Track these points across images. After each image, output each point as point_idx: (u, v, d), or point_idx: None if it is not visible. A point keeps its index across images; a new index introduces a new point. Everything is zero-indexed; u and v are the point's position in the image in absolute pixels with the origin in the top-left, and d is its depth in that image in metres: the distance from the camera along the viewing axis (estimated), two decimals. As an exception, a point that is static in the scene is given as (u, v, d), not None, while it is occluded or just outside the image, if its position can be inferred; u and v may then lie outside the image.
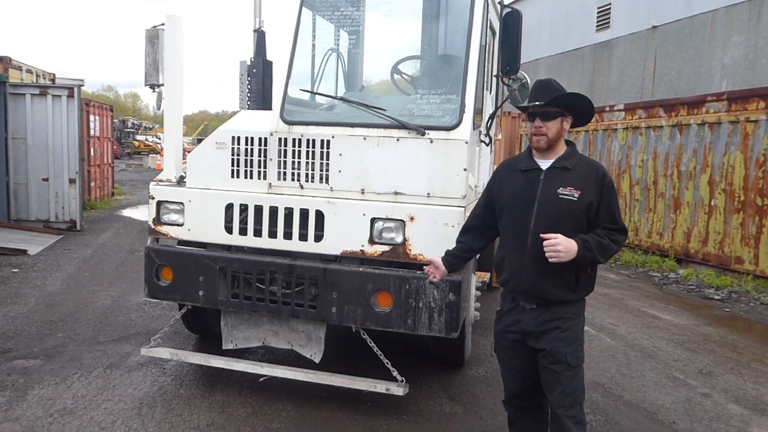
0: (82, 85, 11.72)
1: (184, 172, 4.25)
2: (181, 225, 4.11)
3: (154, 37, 4.59)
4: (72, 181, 10.80)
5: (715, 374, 5.08)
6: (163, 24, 4.36)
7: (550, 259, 2.66)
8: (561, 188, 2.76)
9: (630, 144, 10.53)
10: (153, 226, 4.19)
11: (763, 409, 4.41)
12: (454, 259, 3.21)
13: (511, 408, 3.15)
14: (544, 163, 2.84)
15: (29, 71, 16.15)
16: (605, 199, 2.77)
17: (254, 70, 5.65)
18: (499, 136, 6.73)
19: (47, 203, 10.76)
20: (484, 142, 4.42)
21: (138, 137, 49.87)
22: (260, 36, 5.63)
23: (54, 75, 18.02)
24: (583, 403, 2.86)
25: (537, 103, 2.79)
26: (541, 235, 2.70)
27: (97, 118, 14.36)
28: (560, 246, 2.63)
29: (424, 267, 3.26)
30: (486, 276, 6.04)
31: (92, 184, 14.24)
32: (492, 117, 4.47)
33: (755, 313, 7.15)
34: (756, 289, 7.95)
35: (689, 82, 14.42)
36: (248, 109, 5.37)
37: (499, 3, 4.23)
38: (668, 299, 7.80)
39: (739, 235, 8.36)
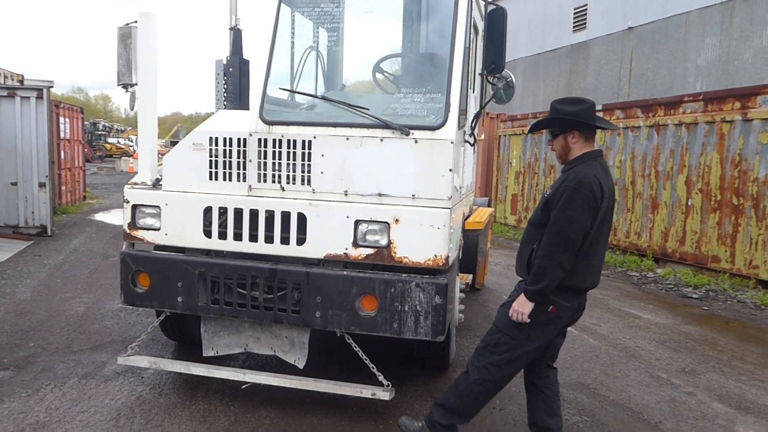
0: (52, 87, 11.46)
1: (160, 175, 4.12)
2: (158, 229, 3.98)
3: (126, 35, 4.43)
4: (42, 185, 10.49)
5: (697, 373, 5.09)
6: (135, 21, 4.22)
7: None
8: (548, 190, 3.19)
9: (608, 144, 10.61)
10: (128, 231, 4.04)
11: (747, 407, 4.42)
12: None
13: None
14: None
15: (-4, 72, 15.73)
16: (555, 199, 3.08)
17: (231, 69, 5.53)
18: (482, 136, 6.70)
19: (16, 208, 10.42)
20: (469, 142, 4.36)
21: (110, 140, 48.93)
22: (237, 34, 5.52)
23: (22, 76, 17.57)
24: (483, 352, 3.32)
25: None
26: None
27: (67, 120, 14.01)
28: (519, 310, 3.14)
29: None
30: (469, 278, 5.99)
31: (63, 188, 13.89)
32: (477, 116, 4.41)
33: (733, 311, 7.23)
34: (732, 287, 8.05)
35: (664, 83, 14.62)
36: (225, 109, 5.25)
37: (482, 0, 4.17)
38: (647, 298, 7.85)
39: (715, 235, 8.46)
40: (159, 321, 4.37)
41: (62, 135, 13.58)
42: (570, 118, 3.13)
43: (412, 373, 4.69)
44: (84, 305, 6.37)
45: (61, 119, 13.55)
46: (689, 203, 8.93)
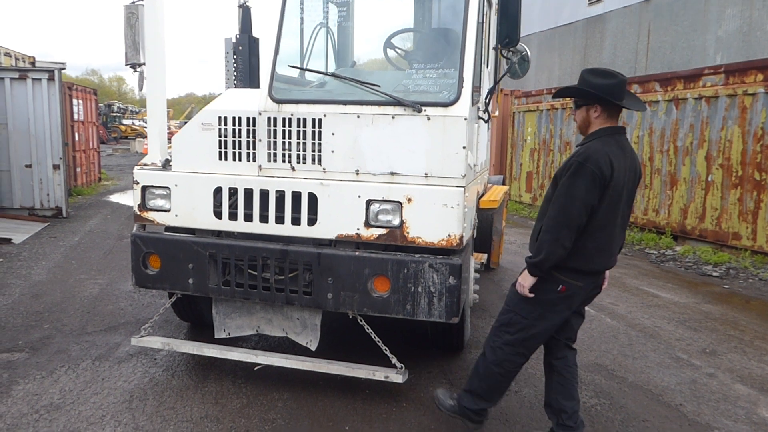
0: (64, 68, 11.38)
1: (170, 156, 4.07)
2: (168, 211, 3.94)
3: (133, 13, 4.37)
4: (56, 167, 10.52)
5: (718, 353, 4.99)
6: (142, -1, 4.14)
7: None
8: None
9: (625, 120, 10.38)
10: (138, 213, 4.01)
11: (770, 387, 4.33)
12: None
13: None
14: None
15: (7, 54, 15.73)
16: (562, 174, 3.00)
17: (240, 48, 5.45)
18: (496, 113, 6.56)
19: (31, 190, 10.48)
20: (483, 119, 4.25)
21: (124, 121, 49.12)
22: (246, 11, 5.43)
23: (34, 58, 17.57)
24: (497, 332, 3.24)
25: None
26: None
27: (80, 102, 14.01)
28: (520, 283, 3.11)
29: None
30: (484, 257, 5.92)
31: (78, 169, 13.95)
32: (491, 92, 4.28)
33: (754, 289, 7.08)
34: (754, 264, 7.88)
35: (683, 56, 14.26)
36: (234, 88, 5.17)
37: (497, -29, 4.02)
38: (666, 277, 7.72)
39: (736, 211, 8.28)
40: (171, 302, 4.35)
41: (76, 117, 13.60)
42: (592, 92, 2.99)
43: (427, 355, 4.64)
44: (98, 286, 6.39)
45: (74, 101, 13.56)
46: (709, 179, 8.73)
